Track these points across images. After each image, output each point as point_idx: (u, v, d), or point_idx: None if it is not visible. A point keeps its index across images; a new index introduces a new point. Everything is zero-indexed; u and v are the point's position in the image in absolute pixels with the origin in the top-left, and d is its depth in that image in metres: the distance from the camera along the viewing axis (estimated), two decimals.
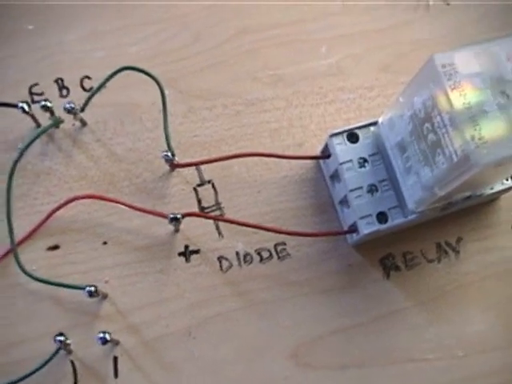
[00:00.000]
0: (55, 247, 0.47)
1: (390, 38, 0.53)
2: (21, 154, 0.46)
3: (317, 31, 0.53)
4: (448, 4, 0.54)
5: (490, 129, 0.34)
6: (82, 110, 0.48)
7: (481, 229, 0.49)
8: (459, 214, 0.48)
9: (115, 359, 0.45)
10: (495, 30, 0.53)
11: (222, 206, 0.49)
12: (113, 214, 0.48)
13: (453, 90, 0.35)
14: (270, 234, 0.47)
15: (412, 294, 0.48)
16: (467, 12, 0.54)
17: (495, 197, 0.49)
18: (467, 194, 0.43)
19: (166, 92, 0.48)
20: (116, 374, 0.45)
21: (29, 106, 0.47)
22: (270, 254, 0.48)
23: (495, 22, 0.54)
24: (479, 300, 0.48)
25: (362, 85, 0.52)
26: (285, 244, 0.48)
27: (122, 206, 0.47)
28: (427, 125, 0.38)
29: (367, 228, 0.44)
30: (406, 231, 0.47)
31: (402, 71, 0.51)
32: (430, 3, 0.54)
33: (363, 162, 0.45)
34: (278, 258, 0.48)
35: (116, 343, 0.46)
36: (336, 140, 0.45)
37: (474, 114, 0.35)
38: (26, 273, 0.45)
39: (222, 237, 0.48)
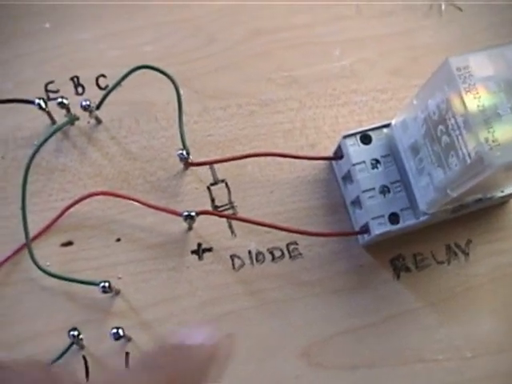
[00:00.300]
0: (69, 243, 0.48)
1: (402, 42, 0.54)
2: (36, 151, 0.46)
3: (330, 34, 0.54)
4: (461, 9, 0.55)
5: (504, 131, 0.35)
6: (98, 107, 0.49)
7: (490, 231, 0.50)
8: (469, 216, 0.49)
9: (127, 355, 0.46)
10: (508, 36, 0.54)
11: (235, 205, 0.49)
12: (126, 211, 0.48)
13: (467, 92, 0.35)
14: (282, 233, 0.47)
15: (422, 295, 0.48)
16: (480, 18, 0.55)
17: (505, 200, 0.49)
18: (478, 196, 0.44)
19: (181, 91, 0.48)
20: None
21: (45, 102, 0.47)
22: (282, 254, 0.48)
23: (508, 29, 0.54)
24: (488, 302, 0.48)
25: (375, 87, 0.52)
26: (297, 244, 0.48)
27: (136, 204, 0.47)
28: (441, 127, 0.38)
29: (379, 228, 0.44)
30: (417, 233, 0.48)
31: (415, 75, 0.52)
32: (443, 8, 0.54)
33: (376, 163, 0.45)
34: (290, 257, 0.48)
35: (128, 339, 0.46)
36: (349, 141, 0.46)
37: (488, 117, 0.35)
38: (40, 268, 0.45)
39: (235, 235, 0.48)
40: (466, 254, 0.49)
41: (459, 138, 0.36)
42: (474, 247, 0.49)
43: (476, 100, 0.35)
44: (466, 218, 0.49)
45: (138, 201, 0.47)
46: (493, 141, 0.34)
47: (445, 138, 0.38)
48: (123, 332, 0.44)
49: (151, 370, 0.27)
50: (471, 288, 0.48)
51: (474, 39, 0.54)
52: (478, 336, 0.48)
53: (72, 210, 0.47)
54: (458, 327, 0.48)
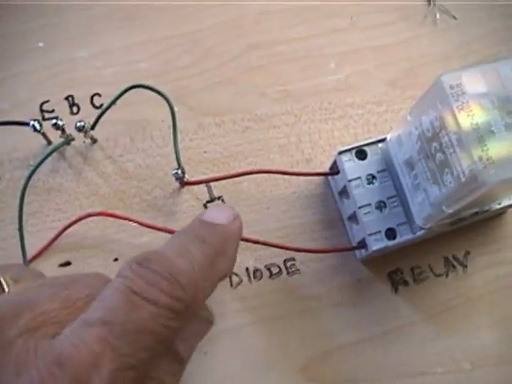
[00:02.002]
0: (67, 263, 0.48)
1: (397, 53, 0.54)
2: (33, 172, 0.46)
3: (325, 47, 0.53)
4: (455, 18, 0.54)
5: (498, 149, 0.34)
6: (93, 127, 0.49)
7: (488, 243, 0.50)
8: (467, 228, 0.49)
9: None
10: (503, 44, 0.54)
11: None
12: (123, 230, 0.48)
13: (460, 110, 0.35)
14: (279, 249, 0.47)
15: (420, 308, 0.48)
16: (474, 26, 0.54)
17: (503, 211, 0.49)
18: (475, 210, 0.43)
19: (176, 109, 0.48)
20: None
21: (40, 124, 0.47)
22: (280, 270, 0.48)
23: (502, 37, 0.54)
24: (487, 313, 0.48)
25: (370, 100, 0.52)
26: (294, 260, 0.48)
27: (133, 223, 0.47)
28: (435, 144, 0.38)
29: (376, 244, 0.44)
30: (414, 246, 0.48)
31: (410, 86, 0.52)
32: (438, 17, 0.54)
33: (371, 178, 0.45)
34: (288, 273, 0.48)
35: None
36: (344, 157, 0.46)
37: (482, 135, 0.35)
38: None
39: None
40: (465, 266, 0.49)
41: (453, 155, 0.36)
42: (473, 259, 0.49)
43: (469, 118, 0.35)
44: (464, 229, 0.49)
45: (134, 220, 0.47)
46: (487, 159, 0.34)
47: (439, 155, 0.38)
48: None
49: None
50: (470, 300, 0.48)
51: (470, 48, 0.54)
52: (477, 348, 0.47)
53: (69, 230, 0.48)
54: (456, 340, 0.48)
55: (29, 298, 0.28)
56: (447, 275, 0.49)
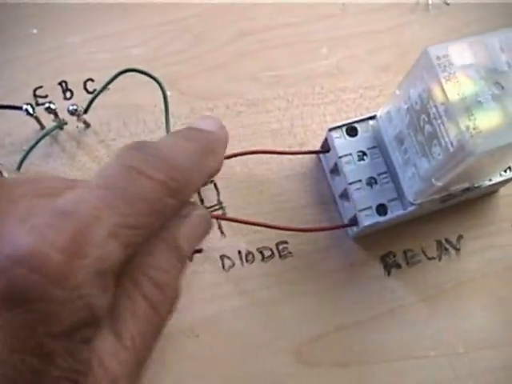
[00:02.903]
0: None
1: (389, 38, 0.54)
2: (25, 156, 0.46)
3: (317, 32, 0.54)
4: (447, 4, 0.55)
5: (485, 119, 0.35)
6: (85, 111, 0.49)
7: (481, 226, 0.50)
8: (459, 211, 0.49)
9: None
10: (494, 30, 0.53)
11: (224, 205, 0.49)
12: None
13: (447, 81, 0.36)
14: (271, 232, 0.47)
15: (413, 291, 0.48)
16: (467, 12, 0.55)
17: (495, 189, 0.50)
18: (466, 185, 0.44)
19: (169, 93, 0.48)
20: None
21: (33, 108, 0.47)
22: (272, 253, 0.48)
23: (495, 22, 0.54)
24: (479, 297, 0.48)
25: (363, 85, 0.52)
26: (287, 243, 0.48)
27: None
28: (423, 116, 0.38)
29: (367, 220, 0.44)
30: (407, 228, 0.48)
31: (403, 71, 0.50)
32: (430, 3, 0.54)
33: (362, 155, 0.46)
34: (280, 256, 0.48)
35: None
36: (335, 134, 0.46)
37: (469, 105, 0.35)
38: None
39: (225, 236, 0.48)
40: (457, 250, 0.49)
41: (441, 126, 0.36)
42: (465, 242, 0.49)
43: (456, 88, 0.36)
44: (457, 212, 0.49)
45: None
46: (474, 128, 0.35)
47: (427, 128, 0.38)
48: None
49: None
50: (463, 283, 0.48)
51: (462, 33, 0.54)
52: (470, 331, 0.47)
53: None
54: (449, 323, 0.47)
55: (32, 176, 0.30)
56: (440, 258, 0.49)
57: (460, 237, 0.49)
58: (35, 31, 0.53)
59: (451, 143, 0.36)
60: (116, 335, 0.28)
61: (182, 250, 0.32)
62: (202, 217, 0.34)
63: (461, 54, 0.37)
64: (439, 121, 0.37)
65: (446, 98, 0.35)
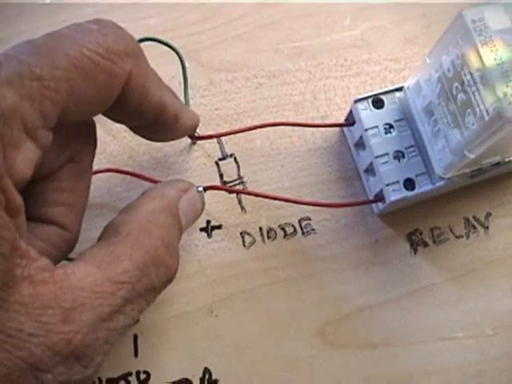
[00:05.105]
0: None
1: (415, 9, 0.52)
2: None
3: (340, 3, 0.52)
4: None
5: None
6: None
7: (510, 204, 0.48)
8: (488, 188, 0.47)
9: (135, 338, 0.44)
10: None
11: (245, 180, 0.47)
12: (132, 188, 0.47)
13: (483, 45, 0.34)
14: (294, 208, 0.46)
15: (440, 271, 0.46)
16: None
17: None
18: (497, 158, 0.42)
19: (187, 65, 0.46)
20: (136, 353, 0.44)
21: None
22: (295, 230, 0.47)
23: None
24: (509, 277, 0.47)
25: (388, 57, 0.51)
26: (310, 219, 0.47)
27: (142, 181, 0.46)
28: (456, 84, 0.37)
29: (394, 195, 0.43)
30: (434, 206, 0.47)
31: (429, 43, 0.50)
32: None
33: (389, 128, 0.44)
34: (303, 233, 0.47)
35: (136, 321, 0.44)
36: (361, 105, 0.44)
37: (506, 71, 0.34)
38: None
39: (245, 212, 0.47)
40: (486, 228, 0.47)
41: (476, 94, 0.35)
42: (494, 220, 0.48)
43: (493, 53, 0.34)
44: (485, 189, 0.48)
45: (143, 177, 0.45)
46: (511, 95, 0.33)
47: (461, 96, 0.37)
48: None
49: None
50: (491, 262, 0.47)
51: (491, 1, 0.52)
52: (499, 312, 0.46)
53: None
54: (477, 303, 0.46)
55: None
56: (468, 237, 0.47)
57: (488, 214, 0.48)
58: (48, 2, 0.51)
59: (487, 111, 0.34)
60: None
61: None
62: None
63: (497, 17, 0.35)
64: (474, 88, 0.35)
65: (482, 64, 0.34)
